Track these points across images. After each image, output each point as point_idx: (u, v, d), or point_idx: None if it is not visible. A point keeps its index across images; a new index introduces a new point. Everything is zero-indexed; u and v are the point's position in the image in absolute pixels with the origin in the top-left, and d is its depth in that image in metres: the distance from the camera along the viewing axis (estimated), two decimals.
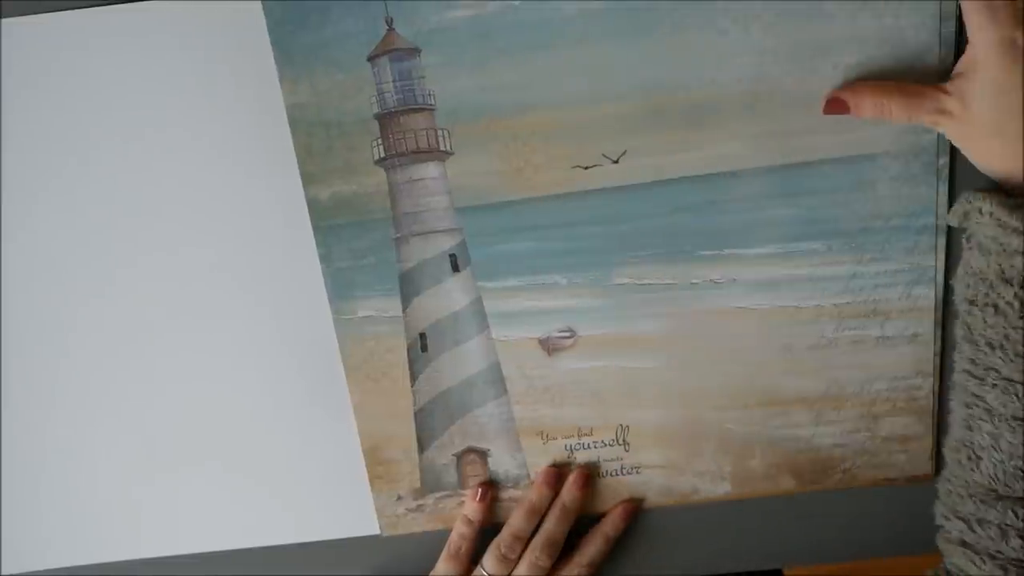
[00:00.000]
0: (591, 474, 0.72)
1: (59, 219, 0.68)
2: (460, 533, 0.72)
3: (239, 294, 0.69)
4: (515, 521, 0.71)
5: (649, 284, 0.67)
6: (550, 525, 0.71)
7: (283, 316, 0.70)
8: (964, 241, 0.61)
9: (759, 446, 0.71)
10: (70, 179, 0.67)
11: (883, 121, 0.61)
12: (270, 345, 0.70)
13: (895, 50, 0.60)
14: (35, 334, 0.71)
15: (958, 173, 0.64)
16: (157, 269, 0.69)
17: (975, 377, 0.61)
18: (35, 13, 0.63)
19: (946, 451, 0.65)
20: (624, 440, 0.71)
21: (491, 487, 0.72)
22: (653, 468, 0.72)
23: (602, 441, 0.71)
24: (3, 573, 0.77)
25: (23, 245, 0.69)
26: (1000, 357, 0.59)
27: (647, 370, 0.69)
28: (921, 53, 0.60)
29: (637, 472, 0.72)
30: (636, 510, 0.73)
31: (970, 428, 0.62)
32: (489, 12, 0.61)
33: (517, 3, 0.61)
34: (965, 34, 0.58)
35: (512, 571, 0.71)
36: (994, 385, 0.60)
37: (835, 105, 0.61)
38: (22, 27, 0.63)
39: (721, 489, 0.72)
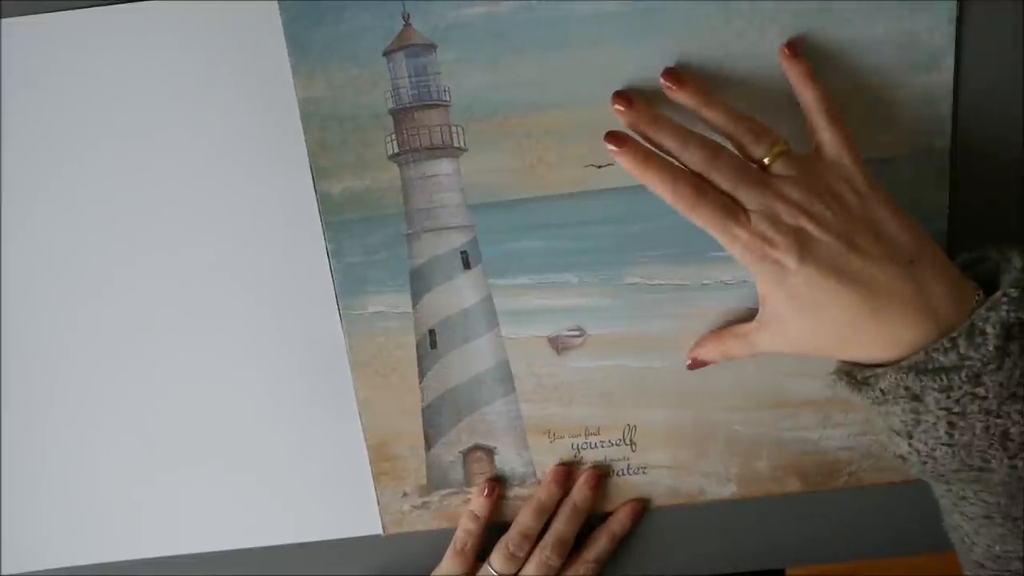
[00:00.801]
0: (603, 474, 0.72)
1: (59, 219, 0.68)
2: (466, 529, 0.72)
3: (239, 293, 0.69)
4: (523, 519, 0.71)
5: (660, 284, 0.67)
6: (561, 525, 0.71)
7: (284, 315, 0.69)
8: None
9: (766, 448, 0.71)
10: (70, 179, 0.67)
11: (897, 124, 0.62)
12: (271, 344, 0.70)
13: (910, 54, 0.61)
14: (35, 334, 0.70)
15: (960, 174, 0.65)
16: (158, 268, 0.69)
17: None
18: (35, 13, 0.63)
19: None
20: (631, 440, 0.71)
21: (499, 483, 0.72)
22: (660, 468, 0.72)
23: (609, 441, 0.71)
24: (3, 573, 0.76)
25: (23, 245, 0.68)
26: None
27: (656, 370, 0.69)
28: (936, 57, 0.61)
29: (644, 472, 0.72)
30: (643, 510, 0.73)
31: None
32: (505, 10, 0.61)
33: (533, 2, 0.61)
34: (966, 37, 0.59)
35: (520, 569, 0.71)
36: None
37: (695, 364, 0.67)
38: (22, 27, 0.63)
39: (727, 490, 0.72)
